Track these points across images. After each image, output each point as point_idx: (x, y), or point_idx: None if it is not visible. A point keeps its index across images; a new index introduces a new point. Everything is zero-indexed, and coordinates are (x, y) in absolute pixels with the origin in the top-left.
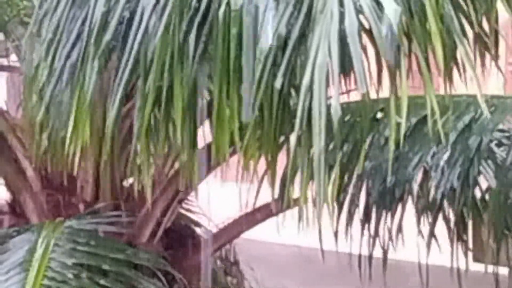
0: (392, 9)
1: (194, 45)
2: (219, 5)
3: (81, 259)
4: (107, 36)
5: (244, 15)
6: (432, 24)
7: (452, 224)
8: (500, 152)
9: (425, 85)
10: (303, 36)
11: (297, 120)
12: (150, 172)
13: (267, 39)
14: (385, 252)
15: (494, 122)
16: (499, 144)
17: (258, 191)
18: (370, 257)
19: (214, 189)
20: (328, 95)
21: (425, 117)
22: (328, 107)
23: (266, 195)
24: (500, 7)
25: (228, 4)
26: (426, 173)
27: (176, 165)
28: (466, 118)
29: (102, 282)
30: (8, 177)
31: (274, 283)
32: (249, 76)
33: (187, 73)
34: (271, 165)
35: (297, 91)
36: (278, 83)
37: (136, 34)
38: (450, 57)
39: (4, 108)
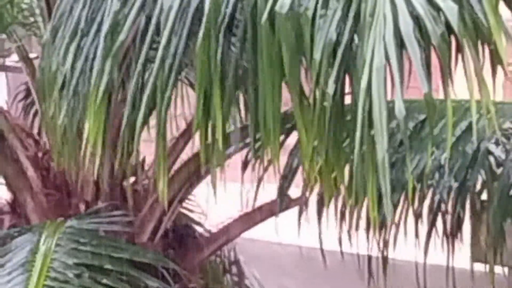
0: (448, 7)
1: (230, 53)
2: (255, 10)
3: (83, 259)
4: (121, 36)
5: (290, 23)
6: (491, 19)
7: (449, 226)
8: (498, 152)
9: (481, 89)
10: (352, 40)
11: (358, 125)
12: (149, 172)
13: (318, 48)
14: (381, 253)
15: (491, 129)
16: (497, 143)
17: (257, 191)
18: (370, 257)
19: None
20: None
21: (422, 121)
22: (392, 108)
23: (266, 195)
24: (501, 6)
25: (270, 11)
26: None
27: (176, 165)
28: (464, 124)
29: (104, 281)
30: (8, 177)
31: (275, 283)
32: (296, 85)
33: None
34: (339, 171)
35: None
36: (330, 89)
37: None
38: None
39: (5, 108)
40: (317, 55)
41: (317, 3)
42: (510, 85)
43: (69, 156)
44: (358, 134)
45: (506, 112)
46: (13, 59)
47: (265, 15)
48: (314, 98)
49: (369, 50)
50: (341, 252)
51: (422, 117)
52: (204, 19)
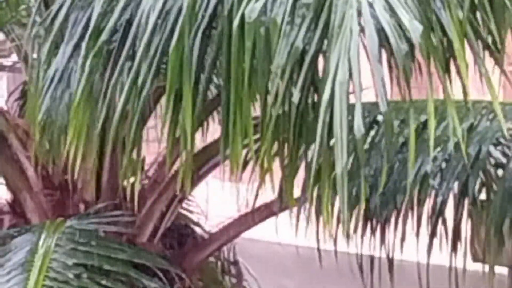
0: (413, 27)
1: (203, 55)
2: (230, 16)
3: (82, 259)
4: (103, 37)
5: (259, 28)
6: (456, 43)
7: (451, 226)
8: (497, 153)
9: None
10: (320, 51)
11: (317, 136)
12: (149, 173)
13: (283, 54)
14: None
15: (493, 130)
16: (496, 144)
17: (257, 191)
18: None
19: (214, 189)
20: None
21: (424, 122)
22: (351, 125)
23: (266, 195)
24: None
25: (242, 16)
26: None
27: (176, 165)
28: (465, 125)
29: (103, 282)
30: (8, 177)
31: (274, 283)
32: (262, 90)
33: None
34: (289, 178)
35: (315, 105)
36: (295, 98)
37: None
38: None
39: (5, 108)
40: (281, 61)
41: (285, 10)
42: (510, 85)
43: (50, 152)
44: (316, 146)
45: (507, 113)
46: (13, 59)
47: (237, 20)
48: (272, 106)
49: (333, 62)
50: (335, 252)
51: (423, 118)
52: (180, 21)
